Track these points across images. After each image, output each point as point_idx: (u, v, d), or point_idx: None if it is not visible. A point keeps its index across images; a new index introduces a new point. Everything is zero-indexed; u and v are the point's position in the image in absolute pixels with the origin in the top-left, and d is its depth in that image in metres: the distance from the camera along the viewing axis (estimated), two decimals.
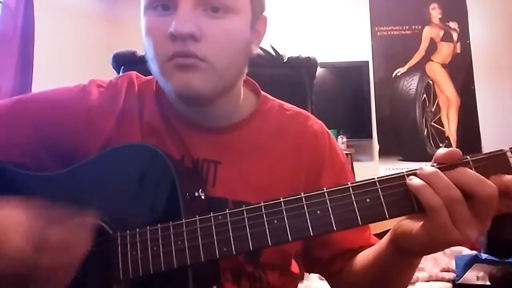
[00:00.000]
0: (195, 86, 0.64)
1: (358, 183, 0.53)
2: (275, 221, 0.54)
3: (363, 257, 0.71)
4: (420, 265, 2.16)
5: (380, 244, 0.65)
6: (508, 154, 0.50)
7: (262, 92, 0.82)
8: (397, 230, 0.56)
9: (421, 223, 0.52)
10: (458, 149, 0.52)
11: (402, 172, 0.52)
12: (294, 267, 0.81)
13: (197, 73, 0.64)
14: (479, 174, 0.49)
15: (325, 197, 0.53)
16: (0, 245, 0.50)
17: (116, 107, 0.74)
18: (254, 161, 0.74)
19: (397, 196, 0.52)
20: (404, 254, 0.59)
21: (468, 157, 0.51)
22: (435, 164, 0.52)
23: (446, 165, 0.51)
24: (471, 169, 0.50)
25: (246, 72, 0.76)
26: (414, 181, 0.50)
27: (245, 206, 0.56)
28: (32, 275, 0.52)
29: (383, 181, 0.52)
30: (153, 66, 0.67)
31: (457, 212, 0.48)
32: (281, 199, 0.54)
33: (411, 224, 0.53)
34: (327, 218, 0.53)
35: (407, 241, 0.55)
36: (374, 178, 0.53)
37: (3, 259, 0.50)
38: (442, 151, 0.52)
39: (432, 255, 2.22)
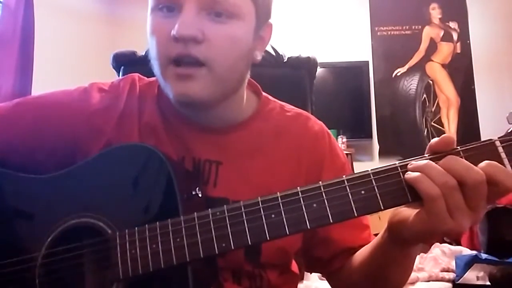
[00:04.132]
0: (194, 95, 0.65)
1: (352, 176, 0.54)
2: (273, 216, 0.54)
3: (361, 252, 0.72)
4: (420, 265, 2.16)
5: (377, 237, 0.66)
6: (497, 143, 0.51)
7: (263, 93, 0.82)
8: (393, 218, 0.57)
9: (416, 211, 0.52)
10: (450, 135, 0.53)
11: (395, 164, 0.53)
12: (294, 267, 0.82)
13: (196, 82, 0.64)
14: (466, 161, 0.50)
15: (320, 190, 0.54)
16: None
17: (117, 108, 0.74)
18: (255, 161, 0.74)
19: (391, 187, 0.52)
20: (399, 243, 0.60)
21: (458, 147, 0.52)
22: (426, 155, 0.53)
23: (437, 156, 0.52)
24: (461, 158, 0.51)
25: (248, 78, 0.76)
26: (411, 173, 0.51)
27: (243, 202, 0.56)
28: None
29: (377, 173, 0.53)
30: (155, 66, 0.68)
31: (453, 200, 0.49)
32: (278, 194, 0.55)
33: (407, 212, 0.54)
34: (323, 211, 0.53)
35: (402, 230, 0.55)
36: (368, 171, 0.54)
37: None
38: (435, 139, 0.53)
39: (432, 255, 2.22)
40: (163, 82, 0.67)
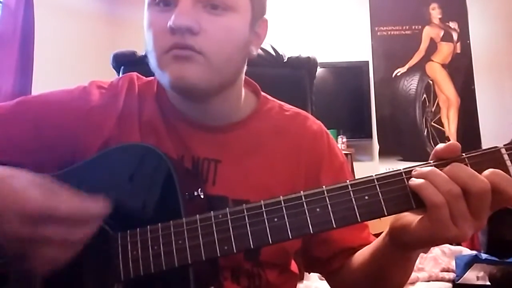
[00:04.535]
0: (190, 78, 0.65)
1: (356, 181, 0.54)
2: (275, 219, 0.54)
3: (361, 253, 0.72)
4: (420, 265, 2.16)
5: (378, 239, 0.66)
6: (503, 151, 0.51)
7: (262, 93, 0.82)
8: (396, 223, 0.57)
9: (419, 218, 0.52)
10: (457, 143, 0.52)
11: (400, 170, 0.53)
12: (293, 267, 0.82)
13: (192, 65, 0.64)
14: (471, 169, 0.49)
15: (324, 195, 0.54)
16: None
17: (116, 107, 0.74)
18: (254, 160, 0.74)
19: (395, 193, 0.52)
20: (400, 247, 0.60)
21: (463, 154, 0.52)
22: (431, 161, 0.53)
23: (442, 162, 0.52)
24: (466, 166, 0.51)
25: (244, 72, 0.76)
26: (415, 180, 0.51)
27: (245, 205, 0.56)
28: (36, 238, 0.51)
29: (381, 178, 0.53)
30: (152, 59, 0.68)
31: (457, 207, 0.49)
32: (281, 198, 0.55)
33: (410, 218, 0.54)
34: (327, 216, 0.53)
35: (404, 235, 0.55)
36: (372, 176, 0.54)
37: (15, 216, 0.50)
38: (441, 145, 0.53)
39: (432, 255, 2.22)
40: (160, 72, 0.67)
